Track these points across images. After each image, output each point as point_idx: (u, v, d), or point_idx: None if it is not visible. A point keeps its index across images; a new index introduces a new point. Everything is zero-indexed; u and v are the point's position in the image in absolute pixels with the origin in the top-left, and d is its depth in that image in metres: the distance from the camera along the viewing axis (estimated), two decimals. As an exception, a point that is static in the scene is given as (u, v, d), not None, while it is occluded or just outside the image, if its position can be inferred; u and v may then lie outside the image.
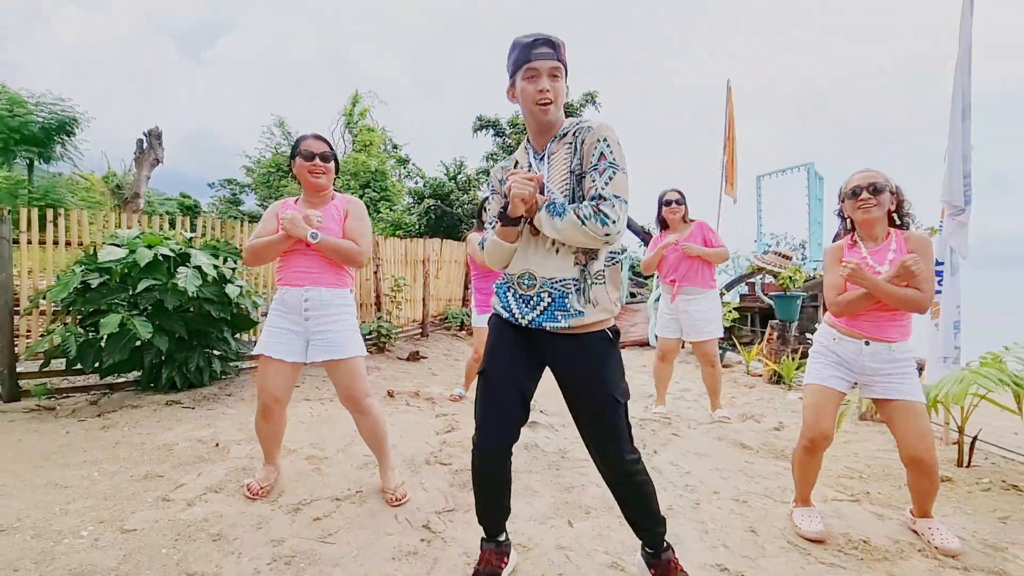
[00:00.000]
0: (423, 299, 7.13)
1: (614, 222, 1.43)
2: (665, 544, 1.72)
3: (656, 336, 4.05)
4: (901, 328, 2.00)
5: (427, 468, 2.73)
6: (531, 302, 1.59)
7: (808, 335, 5.90)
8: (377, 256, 6.06)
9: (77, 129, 12.69)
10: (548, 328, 1.57)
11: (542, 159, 1.61)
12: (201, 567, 1.79)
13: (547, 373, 1.72)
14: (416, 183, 16.26)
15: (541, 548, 2.01)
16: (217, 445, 2.81)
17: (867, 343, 1.98)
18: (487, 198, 1.90)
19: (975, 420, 2.85)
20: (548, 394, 1.78)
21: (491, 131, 13.28)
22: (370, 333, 5.67)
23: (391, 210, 15.05)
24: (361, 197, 14.82)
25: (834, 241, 2.19)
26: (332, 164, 2.30)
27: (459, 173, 13.76)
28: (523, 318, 1.59)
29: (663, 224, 3.83)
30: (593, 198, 1.47)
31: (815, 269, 7.80)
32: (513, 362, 1.63)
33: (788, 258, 5.33)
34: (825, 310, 2.18)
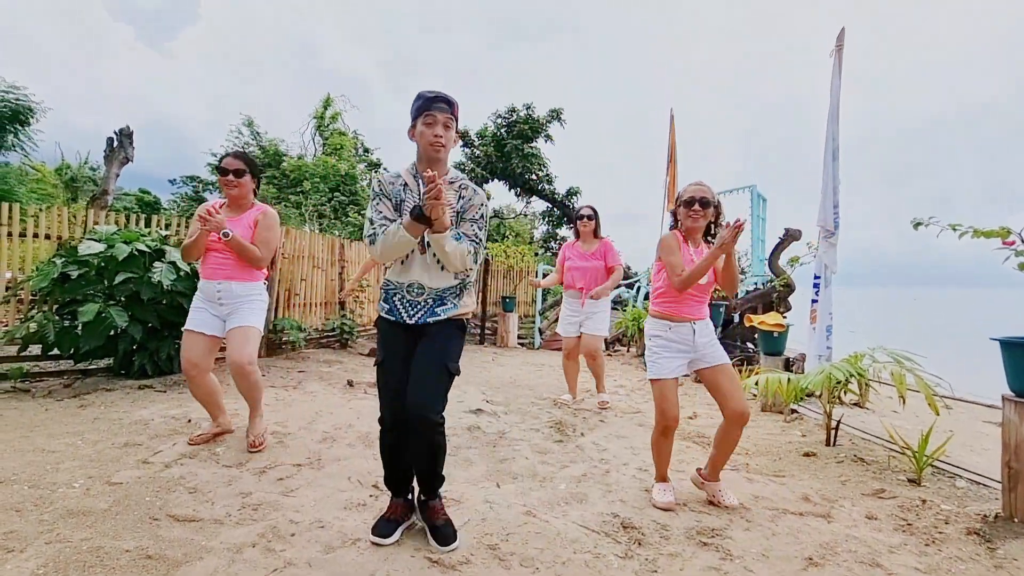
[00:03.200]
0: (386, 300, 7.47)
1: (475, 263, 2.02)
2: (437, 495, 2.11)
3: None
4: (705, 310, 2.55)
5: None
6: (416, 306, 2.01)
7: (730, 340, 6.55)
8: (343, 258, 6.39)
9: (32, 119, 12.46)
10: (430, 321, 2.02)
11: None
12: (181, 511, 2.14)
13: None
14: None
15: (471, 502, 2.44)
16: (190, 421, 3.13)
17: (694, 323, 2.49)
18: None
19: (865, 414, 3.43)
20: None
21: (460, 142, 13.73)
22: (333, 330, 5.99)
23: (360, 214, 15.26)
24: (329, 201, 14.99)
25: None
26: (245, 178, 2.81)
27: (427, 180, 14.14)
28: (410, 319, 2.01)
29: (576, 234, 4.39)
30: (474, 242, 1.99)
31: (755, 284, 8.51)
32: (401, 353, 2.02)
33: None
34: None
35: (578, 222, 4.30)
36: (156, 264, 3.79)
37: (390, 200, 2.00)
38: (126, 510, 2.11)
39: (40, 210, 4.27)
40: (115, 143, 6.96)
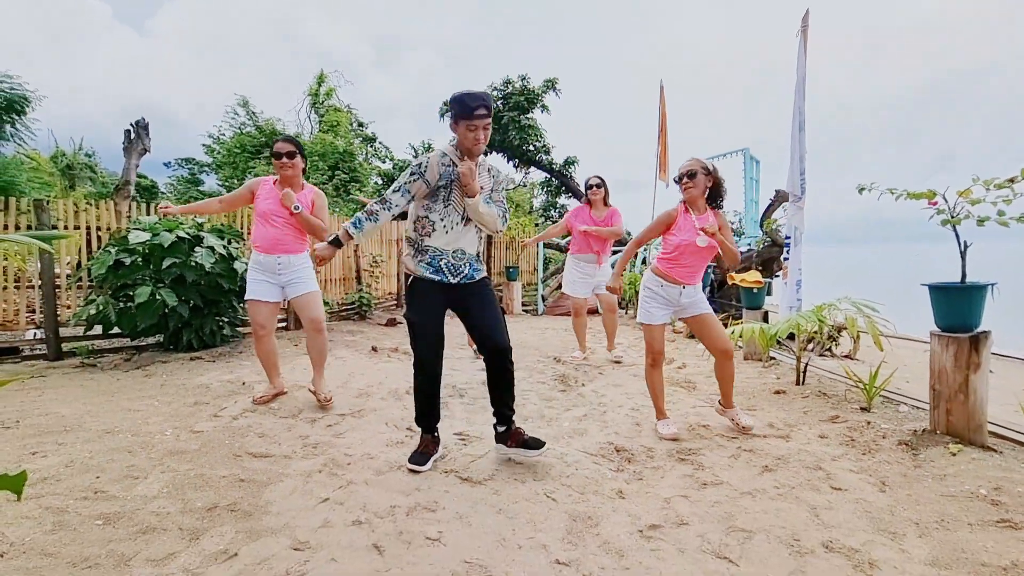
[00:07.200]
0: (398, 274, 7.93)
1: (503, 225, 2.53)
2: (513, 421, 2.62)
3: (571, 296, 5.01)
4: (699, 277, 2.96)
5: (407, 396, 3.61)
6: (457, 268, 2.47)
7: (724, 300, 7.00)
8: (355, 236, 6.82)
9: (28, 108, 12.60)
10: (467, 282, 2.50)
11: None
12: (256, 450, 2.64)
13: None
14: (384, 164, 16.76)
15: (490, 438, 2.91)
16: (244, 384, 3.63)
17: (684, 287, 2.93)
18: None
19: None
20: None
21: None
22: (352, 303, 6.46)
23: (361, 191, 15.50)
24: (331, 179, 15.24)
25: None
26: (297, 159, 3.18)
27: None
28: (454, 279, 2.47)
29: (588, 202, 4.78)
30: (503, 208, 2.52)
31: (749, 245, 8.89)
32: (436, 310, 2.50)
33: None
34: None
35: (588, 191, 4.69)
36: (196, 249, 4.23)
37: (428, 184, 2.38)
38: (212, 450, 2.60)
39: (90, 203, 4.67)
40: (132, 135, 7.30)
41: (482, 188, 2.45)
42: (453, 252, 2.45)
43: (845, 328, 5.86)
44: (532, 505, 2.20)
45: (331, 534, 1.94)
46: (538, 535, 1.97)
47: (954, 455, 2.52)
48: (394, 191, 2.41)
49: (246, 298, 3.21)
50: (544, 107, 13.50)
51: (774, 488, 2.32)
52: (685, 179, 2.86)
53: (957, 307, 2.57)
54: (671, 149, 7.59)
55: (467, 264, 2.48)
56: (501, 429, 2.62)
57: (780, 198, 8.35)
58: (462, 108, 2.30)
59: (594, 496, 2.27)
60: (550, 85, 13.40)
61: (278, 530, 1.94)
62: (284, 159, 3.12)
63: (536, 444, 2.54)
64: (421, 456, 2.53)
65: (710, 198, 2.91)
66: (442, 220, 2.41)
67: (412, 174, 2.39)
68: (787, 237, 3.94)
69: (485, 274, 2.59)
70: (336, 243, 2.41)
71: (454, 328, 5.27)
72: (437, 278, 2.45)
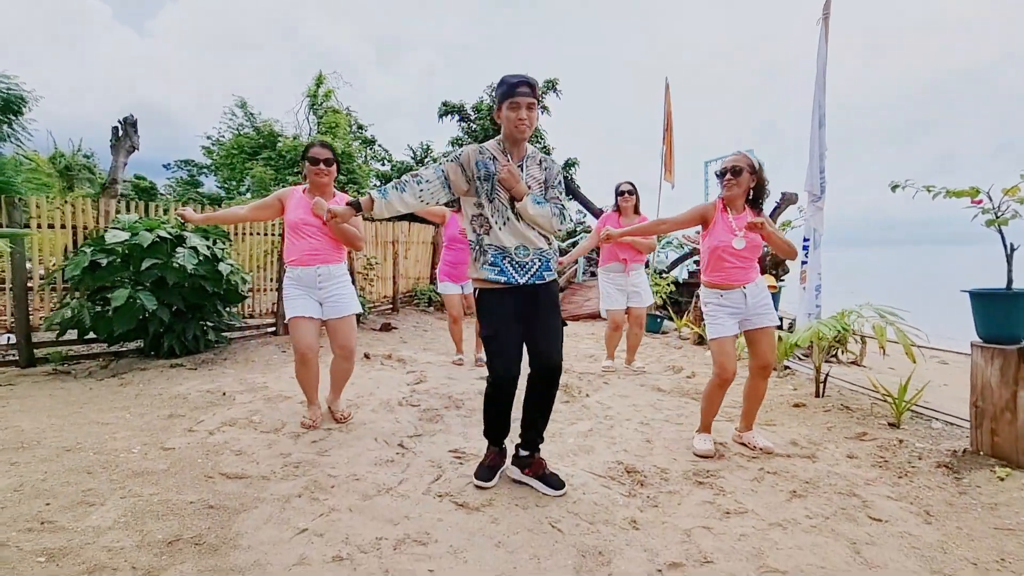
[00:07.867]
0: (393, 277, 7.69)
1: (563, 223, 2.28)
2: (539, 449, 2.38)
3: (606, 310, 4.72)
4: (754, 272, 2.68)
5: (400, 408, 3.37)
6: (525, 266, 2.23)
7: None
8: (350, 237, 6.58)
9: (25, 109, 12.37)
10: (537, 283, 2.25)
11: (519, 166, 2.24)
12: (231, 470, 2.40)
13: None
14: (383, 166, 16.54)
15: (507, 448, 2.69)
16: (224, 394, 3.38)
17: (745, 287, 2.64)
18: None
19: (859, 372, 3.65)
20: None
21: (456, 116, 13.70)
22: (345, 308, 6.20)
23: (359, 193, 15.26)
24: (329, 181, 14.99)
25: None
26: (333, 167, 2.92)
27: (426, 156, 14.18)
28: (520, 279, 2.22)
29: (617, 209, 4.54)
30: (559, 205, 2.27)
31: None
32: (511, 319, 2.24)
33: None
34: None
35: (619, 198, 4.43)
36: (178, 249, 3.99)
37: (465, 172, 2.20)
38: (182, 470, 2.36)
39: (66, 202, 4.43)
40: (120, 132, 7.07)
41: (530, 188, 2.22)
42: (516, 248, 2.22)
43: (851, 333, 5.63)
44: (535, 536, 1.96)
45: (307, 573, 1.70)
46: (543, 574, 1.73)
47: (1002, 480, 2.28)
48: (427, 168, 2.23)
49: (289, 317, 2.90)
50: (545, 108, 13.30)
51: (806, 518, 2.07)
52: (729, 175, 2.59)
53: (1003, 316, 2.34)
54: (676, 148, 7.36)
55: (536, 260, 2.24)
56: (524, 454, 2.37)
57: (786, 200, 8.13)
58: (504, 87, 2.14)
59: (604, 526, 2.03)
60: (551, 86, 13.22)
61: (246, 569, 1.70)
62: (322, 166, 2.85)
63: (559, 484, 2.28)
64: (488, 471, 2.35)
65: (751, 199, 2.66)
66: (493, 216, 2.20)
67: (449, 157, 2.25)
68: (805, 239, 3.71)
69: (555, 277, 2.33)
70: (356, 206, 2.23)
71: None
72: (503, 279, 2.21)
